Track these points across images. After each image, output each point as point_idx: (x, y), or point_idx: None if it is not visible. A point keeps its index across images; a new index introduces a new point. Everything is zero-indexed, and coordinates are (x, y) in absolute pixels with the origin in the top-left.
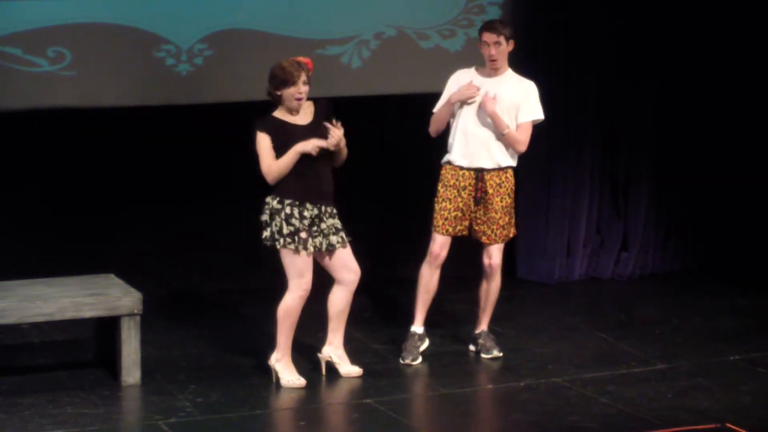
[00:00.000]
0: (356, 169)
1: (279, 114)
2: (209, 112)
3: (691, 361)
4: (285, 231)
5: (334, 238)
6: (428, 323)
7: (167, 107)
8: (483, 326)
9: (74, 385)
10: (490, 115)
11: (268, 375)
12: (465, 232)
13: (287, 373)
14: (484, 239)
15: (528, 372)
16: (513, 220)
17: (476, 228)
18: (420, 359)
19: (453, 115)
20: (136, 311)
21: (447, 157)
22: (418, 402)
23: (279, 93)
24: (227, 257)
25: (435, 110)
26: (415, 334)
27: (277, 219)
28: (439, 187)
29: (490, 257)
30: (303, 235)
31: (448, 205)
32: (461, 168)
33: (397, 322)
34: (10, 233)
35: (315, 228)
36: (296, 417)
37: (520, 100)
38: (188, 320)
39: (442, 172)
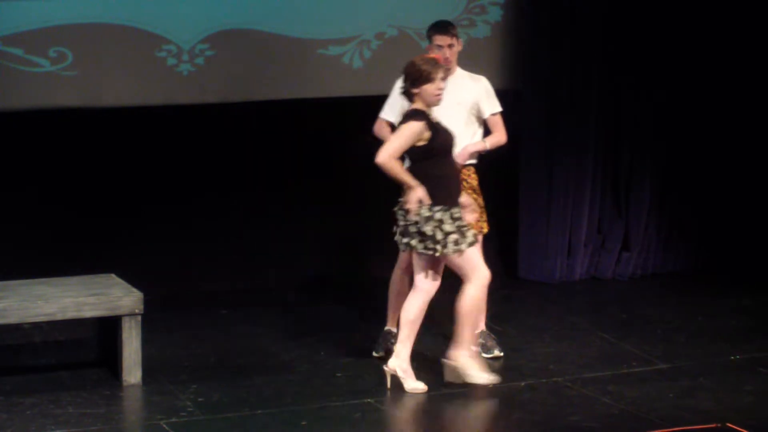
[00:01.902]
0: (359, 169)
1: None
2: (210, 112)
3: (693, 361)
4: (438, 237)
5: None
6: (428, 323)
7: (168, 107)
8: (481, 326)
9: (76, 384)
10: (465, 160)
11: (269, 374)
12: None
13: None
14: None
15: (529, 372)
16: (483, 216)
17: None
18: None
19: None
20: (137, 311)
21: None
22: (419, 401)
23: (417, 90)
24: (228, 257)
25: (382, 115)
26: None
27: (428, 227)
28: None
29: None
30: (455, 236)
31: None
32: None
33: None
34: (11, 233)
35: (463, 224)
36: (297, 417)
37: (478, 98)
38: (189, 320)
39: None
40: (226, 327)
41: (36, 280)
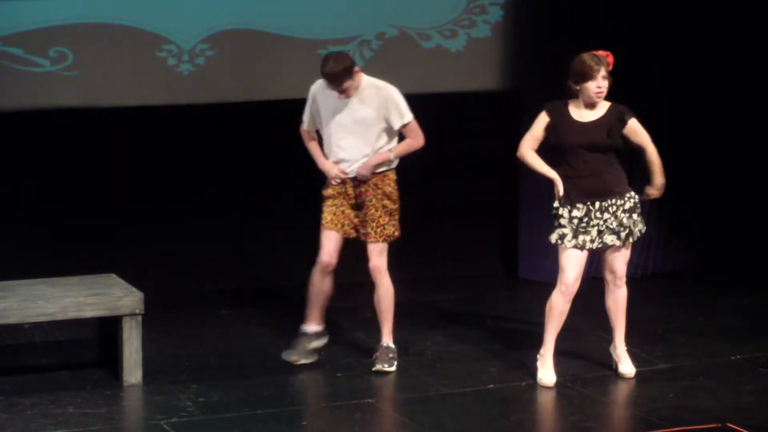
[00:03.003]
0: None
1: (572, 105)
2: (210, 112)
3: (693, 361)
4: (555, 227)
5: (609, 238)
6: (429, 323)
7: (169, 107)
8: (383, 338)
9: (76, 385)
10: (370, 173)
11: (269, 374)
12: (354, 235)
13: (541, 370)
14: (365, 239)
15: (529, 371)
16: (395, 223)
17: (361, 230)
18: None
19: (320, 127)
20: (137, 311)
21: None
22: (419, 401)
23: (578, 87)
24: (229, 257)
25: (305, 127)
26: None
27: (554, 223)
28: (324, 191)
29: (370, 260)
30: (564, 231)
31: (332, 208)
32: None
33: (398, 321)
34: (11, 233)
35: (583, 225)
36: (298, 417)
37: (384, 112)
38: (190, 320)
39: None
40: (226, 327)
41: (36, 280)
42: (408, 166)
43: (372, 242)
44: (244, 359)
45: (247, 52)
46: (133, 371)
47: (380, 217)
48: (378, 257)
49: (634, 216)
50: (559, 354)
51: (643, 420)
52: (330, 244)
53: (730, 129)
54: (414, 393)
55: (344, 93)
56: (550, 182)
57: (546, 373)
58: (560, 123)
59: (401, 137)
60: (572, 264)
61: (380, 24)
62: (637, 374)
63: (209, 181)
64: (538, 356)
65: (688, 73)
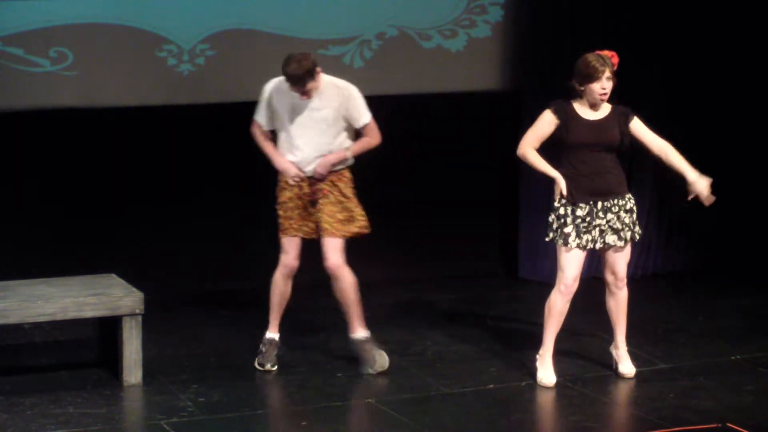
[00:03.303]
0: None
1: (577, 105)
2: (211, 112)
3: (694, 361)
4: (555, 226)
5: (611, 238)
6: (429, 323)
7: (169, 107)
8: (357, 330)
9: (76, 385)
10: (328, 171)
11: (269, 374)
12: (314, 235)
13: (541, 370)
14: (322, 233)
15: (529, 371)
16: (353, 218)
17: (317, 226)
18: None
19: (277, 127)
20: (137, 311)
21: None
22: (419, 401)
23: (582, 88)
24: (229, 257)
25: (263, 128)
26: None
27: (552, 216)
28: (278, 193)
29: (326, 259)
30: (567, 230)
31: (289, 212)
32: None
33: (398, 321)
34: (11, 233)
35: (585, 224)
36: (298, 417)
37: (343, 111)
38: (190, 320)
39: (279, 178)
40: (226, 327)
41: (36, 280)
42: (408, 167)
43: (328, 237)
44: (244, 359)
45: (247, 52)
46: (133, 371)
47: (337, 212)
48: (334, 252)
49: (634, 216)
50: (559, 354)
51: (643, 420)
52: (293, 249)
53: (730, 129)
54: (414, 393)
55: (306, 94)
56: (550, 182)
57: (546, 373)
58: (569, 122)
59: (357, 136)
60: (572, 264)
61: (380, 24)
62: (637, 374)
63: (209, 181)
64: (538, 356)
65: (688, 73)
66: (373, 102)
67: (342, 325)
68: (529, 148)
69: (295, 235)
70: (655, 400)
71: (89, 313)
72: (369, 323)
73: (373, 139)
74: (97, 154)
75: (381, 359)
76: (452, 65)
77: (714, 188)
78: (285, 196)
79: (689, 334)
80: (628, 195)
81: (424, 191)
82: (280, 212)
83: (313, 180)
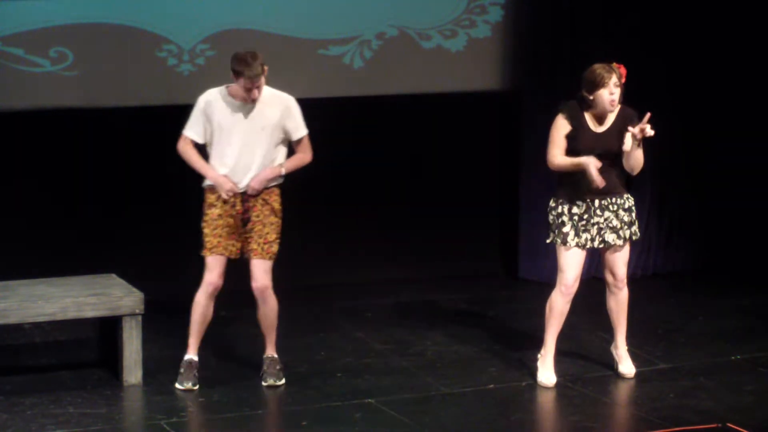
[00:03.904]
0: (358, 169)
1: (588, 115)
2: None
3: (694, 361)
4: (553, 226)
5: (610, 236)
6: (429, 323)
7: (169, 107)
8: (267, 351)
9: (76, 385)
10: (263, 186)
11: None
12: (238, 255)
13: (541, 370)
14: (252, 254)
15: (529, 371)
16: (278, 239)
17: (246, 246)
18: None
19: (209, 142)
20: (137, 311)
21: (209, 180)
22: (419, 401)
23: (592, 97)
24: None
25: (196, 140)
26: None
27: (550, 217)
28: (206, 210)
29: (255, 279)
30: (565, 229)
31: (218, 231)
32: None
33: (398, 321)
34: (11, 233)
35: (583, 222)
36: (298, 417)
37: (282, 122)
38: (190, 320)
39: (206, 195)
40: (226, 327)
41: (37, 280)
42: (408, 167)
43: (259, 259)
44: (244, 359)
45: None
46: (133, 371)
47: (268, 233)
48: (264, 275)
49: (633, 216)
50: (559, 354)
51: (643, 420)
52: (218, 268)
53: (730, 129)
54: (414, 393)
55: (256, 92)
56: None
57: (546, 373)
58: (580, 130)
59: (290, 152)
60: (572, 264)
61: (380, 24)
62: (637, 374)
63: None
64: (539, 356)
65: (689, 72)
66: (372, 102)
67: (342, 325)
68: (558, 157)
69: (220, 254)
70: (655, 400)
71: (89, 313)
72: (369, 323)
73: (306, 155)
74: (97, 154)
75: (280, 375)
76: (452, 65)
77: (714, 188)
78: (214, 213)
79: (689, 334)
80: (627, 195)
81: (424, 191)
82: (207, 230)
83: (247, 196)
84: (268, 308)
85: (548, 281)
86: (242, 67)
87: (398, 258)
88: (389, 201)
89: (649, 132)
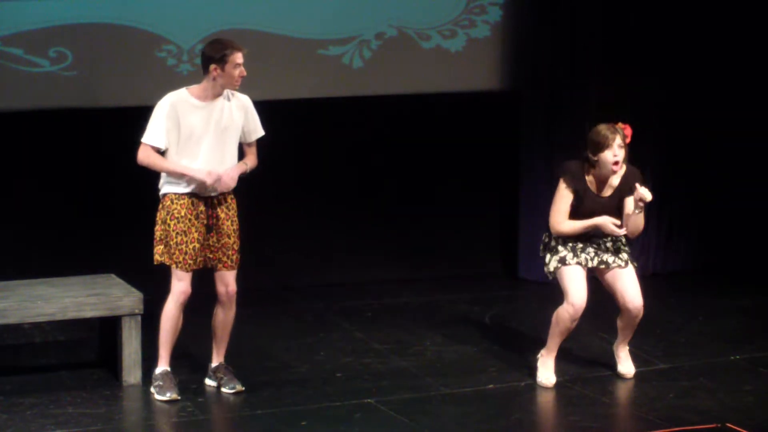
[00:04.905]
0: (357, 169)
1: (589, 178)
2: None
3: (693, 361)
4: (547, 259)
5: (609, 257)
6: (429, 323)
7: None
8: (220, 358)
9: (76, 385)
10: (235, 182)
11: (269, 374)
12: (203, 265)
13: (541, 370)
14: (220, 266)
15: (529, 372)
16: (234, 247)
17: (211, 256)
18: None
19: (172, 147)
20: (137, 311)
21: (170, 188)
22: (419, 402)
23: (596, 158)
24: None
25: (145, 140)
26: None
27: (543, 252)
28: (167, 220)
29: (227, 285)
30: (562, 253)
31: (185, 238)
32: (190, 195)
33: (398, 321)
34: (11, 233)
35: (580, 246)
36: (298, 417)
37: (244, 120)
38: (189, 320)
39: (167, 203)
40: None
41: (36, 280)
42: (407, 167)
43: (229, 270)
44: (244, 359)
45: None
46: (132, 371)
47: (234, 243)
48: (233, 283)
49: (625, 243)
50: (559, 354)
51: (643, 420)
52: (187, 278)
53: (730, 129)
54: (414, 393)
55: (239, 76)
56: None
57: (546, 373)
58: (582, 194)
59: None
60: (576, 284)
61: (380, 24)
62: (637, 374)
63: None
64: (539, 356)
65: (689, 73)
66: (372, 102)
67: (342, 325)
68: (564, 222)
69: (188, 269)
70: (655, 400)
71: (89, 313)
72: (369, 323)
73: (256, 158)
74: (97, 154)
75: (239, 385)
76: (452, 65)
77: (714, 188)
78: (178, 226)
79: (689, 334)
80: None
81: (424, 191)
82: (172, 241)
83: (210, 200)
84: (230, 315)
85: (548, 281)
86: (231, 44)
87: (398, 258)
88: (389, 201)
89: (648, 198)
